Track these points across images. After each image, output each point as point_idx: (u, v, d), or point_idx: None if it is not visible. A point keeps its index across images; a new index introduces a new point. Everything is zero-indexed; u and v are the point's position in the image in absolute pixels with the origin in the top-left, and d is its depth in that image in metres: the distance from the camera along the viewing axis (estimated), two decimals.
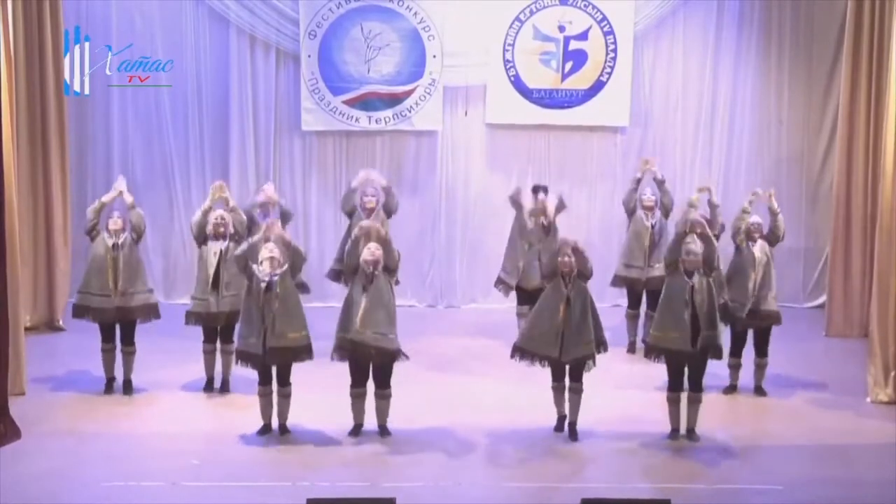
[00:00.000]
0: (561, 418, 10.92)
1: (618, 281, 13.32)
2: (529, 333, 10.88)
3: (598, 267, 14.75)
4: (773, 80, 14.90)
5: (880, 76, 13.05)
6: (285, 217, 12.63)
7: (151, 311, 11.86)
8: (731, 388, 12.02)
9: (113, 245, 11.58)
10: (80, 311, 11.83)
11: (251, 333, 10.60)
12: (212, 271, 11.59)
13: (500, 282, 13.28)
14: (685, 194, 14.93)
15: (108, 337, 11.80)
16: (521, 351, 10.89)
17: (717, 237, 12.09)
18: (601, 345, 10.87)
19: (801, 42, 14.82)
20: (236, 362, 10.98)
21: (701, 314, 10.60)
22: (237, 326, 10.97)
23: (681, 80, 14.93)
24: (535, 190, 13.13)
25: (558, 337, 10.65)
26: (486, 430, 11.05)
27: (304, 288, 12.66)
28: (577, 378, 10.80)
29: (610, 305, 14.24)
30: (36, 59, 13.39)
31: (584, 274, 10.74)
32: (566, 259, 10.65)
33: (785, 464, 10.47)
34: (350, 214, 12.93)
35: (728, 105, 14.92)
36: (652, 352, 10.95)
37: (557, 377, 10.88)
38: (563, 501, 9.59)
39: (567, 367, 10.77)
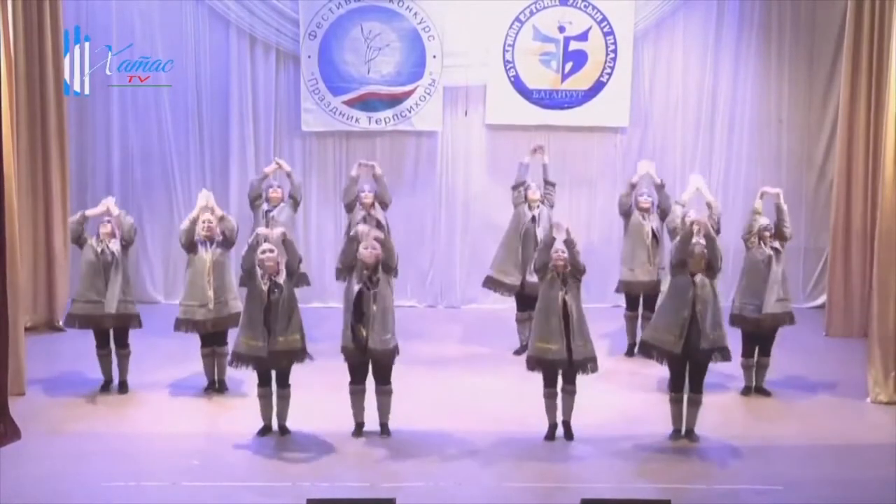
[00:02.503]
0: (552, 427, 10.88)
1: (623, 286, 13.21)
2: (537, 342, 10.81)
3: (599, 268, 14.86)
4: (773, 80, 14.89)
5: (880, 76, 13.04)
6: (295, 194, 13.05)
7: (132, 321, 11.87)
8: (747, 390, 12.00)
9: (101, 251, 11.64)
10: (70, 321, 11.94)
11: (256, 337, 10.65)
12: (204, 279, 11.66)
13: (494, 283, 13.16)
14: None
15: (102, 342, 11.85)
16: (535, 360, 10.83)
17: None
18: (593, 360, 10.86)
19: (801, 42, 14.82)
20: (232, 364, 10.99)
21: (702, 316, 10.58)
22: (239, 328, 11.00)
23: (681, 81, 14.92)
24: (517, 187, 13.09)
25: (563, 337, 10.62)
26: (486, 430, 11.05)
27: (304, 279, 12.77)
28: (571, 381, 10.79)
29: (610, 306, 14.23)
30: (36, 59, 13.39)
31: (577, 268, 10.67)
32: (559, 254, 10.63)
33: (785, 464, 10.47)
34: (350, 208, 12.96)
35: (728, 105, 14.92)
36: (644, 349, 11.03)
37: (550, 383, 10.81)
38: (563, 501, 9.59)
39: (562, 371, 10.76)
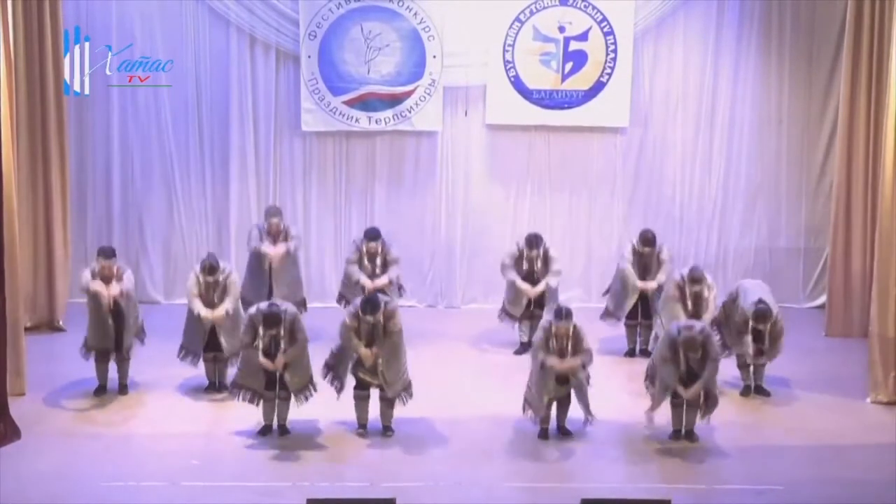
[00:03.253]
0: (543, 429, 10.94)
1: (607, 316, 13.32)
2: (536, 393, 10.91)
3: (599, 267, 14.90)
4: (773, 80, 14.88)
5: (880, 76, 13.04)
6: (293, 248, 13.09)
7: (140, 335, 12.02)
8: (747, 389, 12.01)
9: (111, 306, 11.61)
10: (87, 353, 11.87)
11: (260, 380, 10.78)
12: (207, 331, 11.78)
13: (509, 314, 13.20)
14: (685, 194, 15.00)
15: (101, 358, 11.87)
16: (529, 404, 10.97)
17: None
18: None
19: (801, 42, 14.81)
20: (231, 391, 11.13)
21: (698, 369, 10.76)
22: (239, 362, 11.16)
23: (681, 80, 14.91)
24: (531, 242, 13.04)
25: (560, 391, 10.85)
26: (486, 430, 11.07)
27: (302, 304, 12.88)
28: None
29: None
30: (36, 59, 13.37)
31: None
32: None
33: (785, 464, 10.48)
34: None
35: (728, 105, 14.91)
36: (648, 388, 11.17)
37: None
38: (563, 501, 9.59)
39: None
